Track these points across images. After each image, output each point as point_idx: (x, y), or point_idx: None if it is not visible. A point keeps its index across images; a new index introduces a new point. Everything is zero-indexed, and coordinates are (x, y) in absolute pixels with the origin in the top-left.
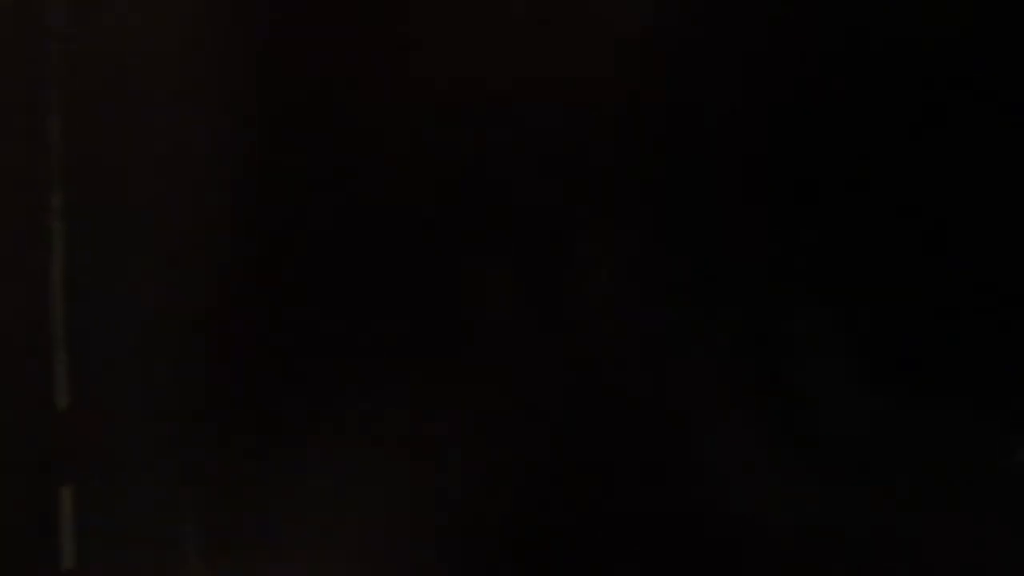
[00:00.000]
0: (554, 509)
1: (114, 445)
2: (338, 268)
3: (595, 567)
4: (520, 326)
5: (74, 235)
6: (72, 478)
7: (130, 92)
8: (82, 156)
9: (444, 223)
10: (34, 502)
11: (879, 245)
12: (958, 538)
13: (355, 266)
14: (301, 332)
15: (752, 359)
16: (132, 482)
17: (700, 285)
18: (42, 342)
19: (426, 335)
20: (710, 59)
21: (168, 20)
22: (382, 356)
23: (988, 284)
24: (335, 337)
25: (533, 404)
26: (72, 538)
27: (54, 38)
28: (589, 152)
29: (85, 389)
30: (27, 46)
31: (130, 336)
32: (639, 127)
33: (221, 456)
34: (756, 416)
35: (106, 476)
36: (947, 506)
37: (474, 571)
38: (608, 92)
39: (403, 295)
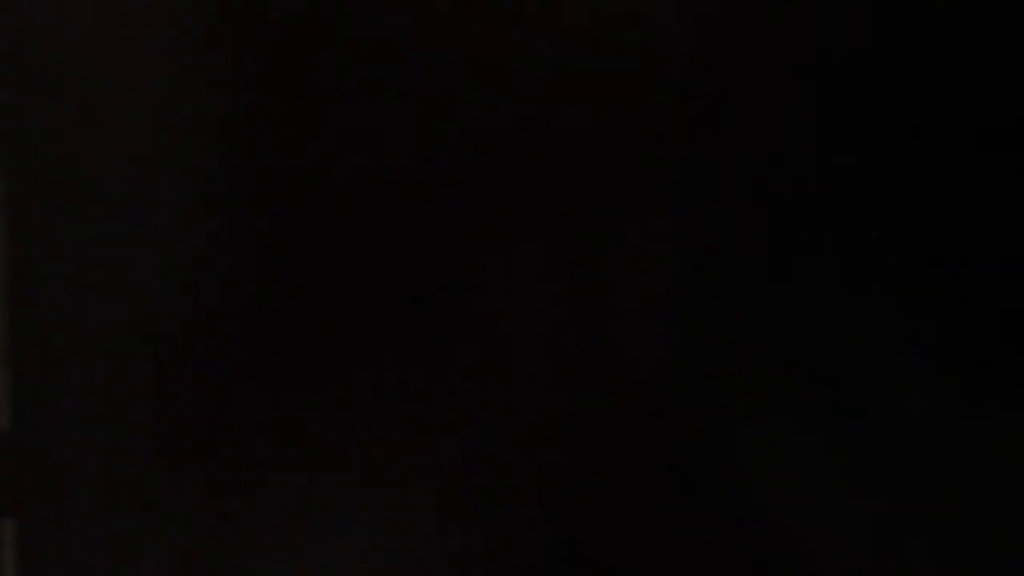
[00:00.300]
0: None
1: (62, 471)
2: (307, 277)
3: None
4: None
5: (18, 232)
6: (15, 509)
7: (85, 75)
8: (27, 140)
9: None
10: None
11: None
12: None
13: (333, 273)
14: (266, 353)
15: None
16: (81, 513)
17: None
18: None
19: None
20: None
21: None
22: (346, 386)
23: None
24: (300, 360)
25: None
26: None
27: None
28: (649, 150)
29: (30, 409)
30: None
31: (81, 350)
32: (701, 123)
33: (179, 484)
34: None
35: (53, 506)
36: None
37: None
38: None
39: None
